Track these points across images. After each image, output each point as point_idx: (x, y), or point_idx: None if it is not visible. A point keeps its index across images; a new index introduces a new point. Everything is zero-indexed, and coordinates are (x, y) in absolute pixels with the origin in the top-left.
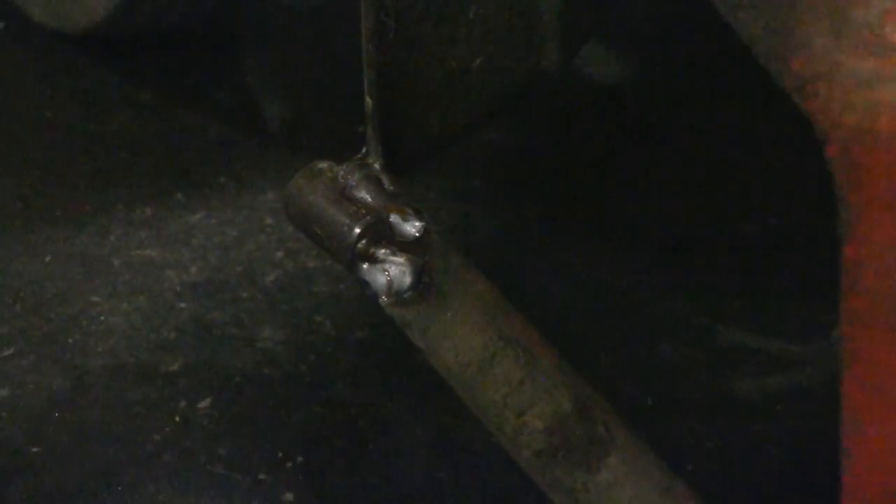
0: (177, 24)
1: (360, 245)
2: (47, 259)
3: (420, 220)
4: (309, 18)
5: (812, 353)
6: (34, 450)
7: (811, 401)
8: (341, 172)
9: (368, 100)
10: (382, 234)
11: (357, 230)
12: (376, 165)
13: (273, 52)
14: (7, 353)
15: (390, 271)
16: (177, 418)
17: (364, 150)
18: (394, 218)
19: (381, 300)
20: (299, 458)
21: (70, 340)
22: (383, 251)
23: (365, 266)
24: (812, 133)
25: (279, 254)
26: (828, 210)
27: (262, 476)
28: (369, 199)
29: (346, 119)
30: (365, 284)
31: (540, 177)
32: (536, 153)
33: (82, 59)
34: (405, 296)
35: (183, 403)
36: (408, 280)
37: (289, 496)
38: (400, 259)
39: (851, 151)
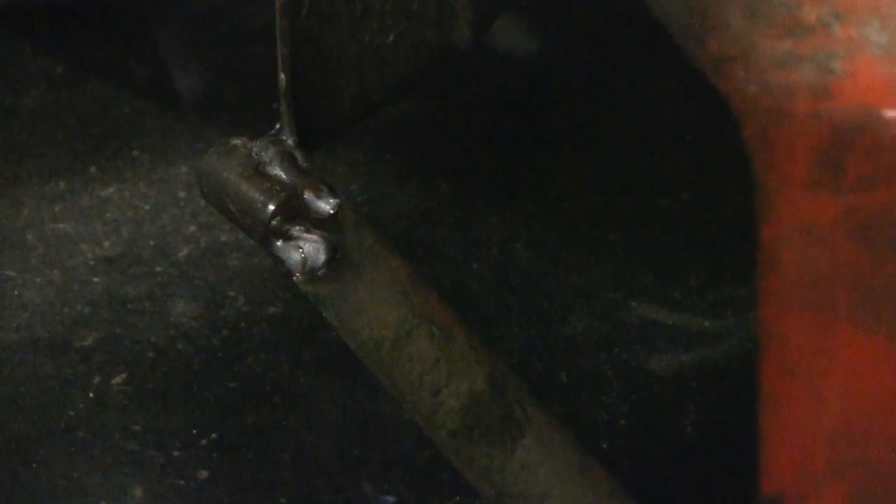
0: None
1: (274, 222)
2: None
3: (334, 196)
4: None
5: (725, 329)
6: None
7: (724, 377)
8: (255, 148)
9: (282, 75)
10: (297, 211)
11: (271, 207)
12: (290, 141)
13: (186, 25)
14: None
15: (304, 248)
16: (90, 394)
17: (277, 125)
18: (308, 195)
19: (295, 277)
20: (213, 435)
21: None
22: (297, 228)
23: (279, 243)
24: (727, 110)
25: (192, 228)
26: (742, 186)
27: (176, 453)
28: (283, 176)
29: (260, 94)
30: (279, 261)
31: (452, 151)
32: (448, 127)
33: None
34: (319, 273)
35: (97, 379)
36: (322, 257)
37: (203, 473)
38: (314, 236)
39: (767, 132)
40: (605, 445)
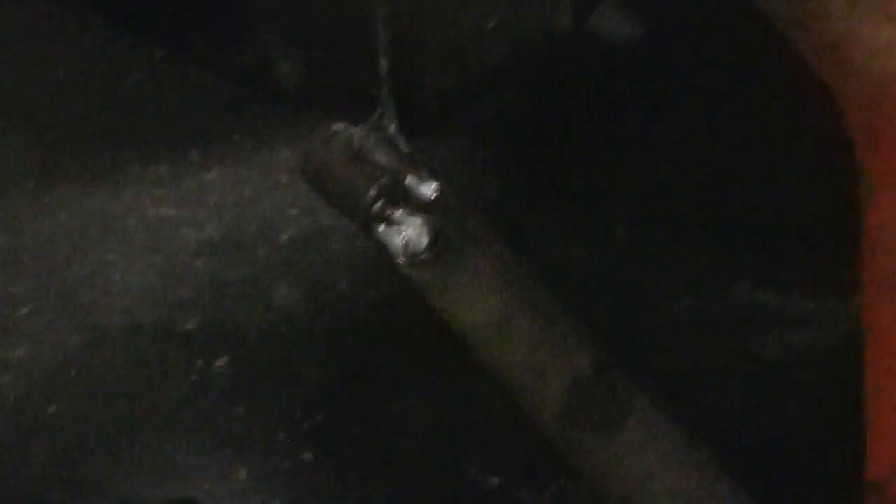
0: None
1: (375, 206)
2: (62, 217)
3: (436, 181)
4: None
5: (828, 311)
6: (51, 409)
7: (829, 358)
8: (356, 134)
9: (383, 62)
10: (398, 196)
11: (373, 192)
12: (391, 127)
13: (287, 10)
14: (23, 311)
15: (406, 233)
16: (193, 377)
17: (379, 111)
18: (409, 180)
19: (398, 261)
20: (317, 417)
21: (86, 299)
22: (399, 213)
23: (381, 227)
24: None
25: (294, 212)
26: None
27: (280, 435)
28: (384, 161)
29: (362, 80)
30: (381, 245)
31: (551, 139)
32: (548, 115)
33: (93, 17)
34: (422, 257)
35: (200, 362)
36: (424, 241)
37: (307, 455)
38: (416, 220)
39: (871, 119)
40: (711, 425)
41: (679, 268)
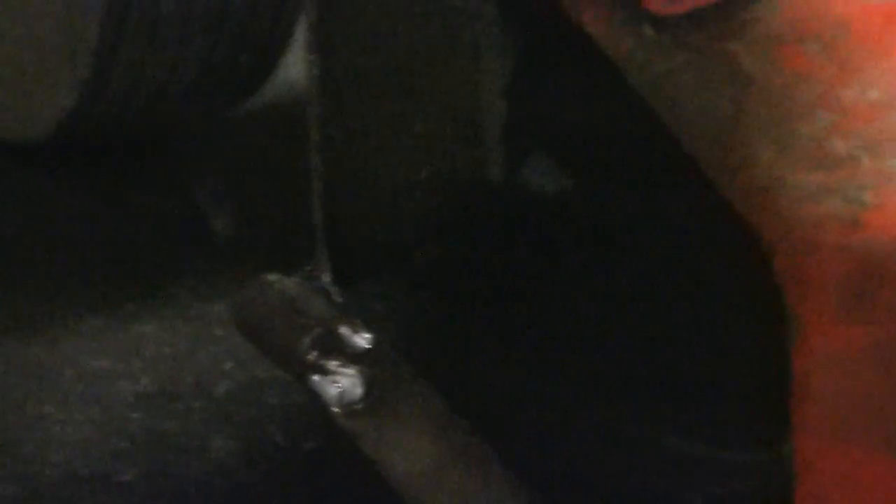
0: (125, 133)
1: (310, 356)
2: None
3: (370, 332)
4: (255, 130)
5: (757, 460)
6: None
7: None
8: (290, 285)
9: (316, 213)
10: (332, 346)
11: (307, 342)
12: (325, 278)
13: (220, 165)
14: None
15: (341, 382)
16: None
17: (312, 262)
18: (343, 330)
19: (332, 411)
20: None
21: (23, 450)
22: (334, 363)
23: (316, 378)
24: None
25: (230, 364)
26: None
27: None
28: (318, 312)
29: (295, 231)
30: (316, 396)
31: (487, 289)
32: (483, 265)
33: (23, 169)
34: (356, 407)
35: None
36: (359, 391)
37: None
38: (350, 371)
39: (798, 264)
40: None
41: (608, 421)
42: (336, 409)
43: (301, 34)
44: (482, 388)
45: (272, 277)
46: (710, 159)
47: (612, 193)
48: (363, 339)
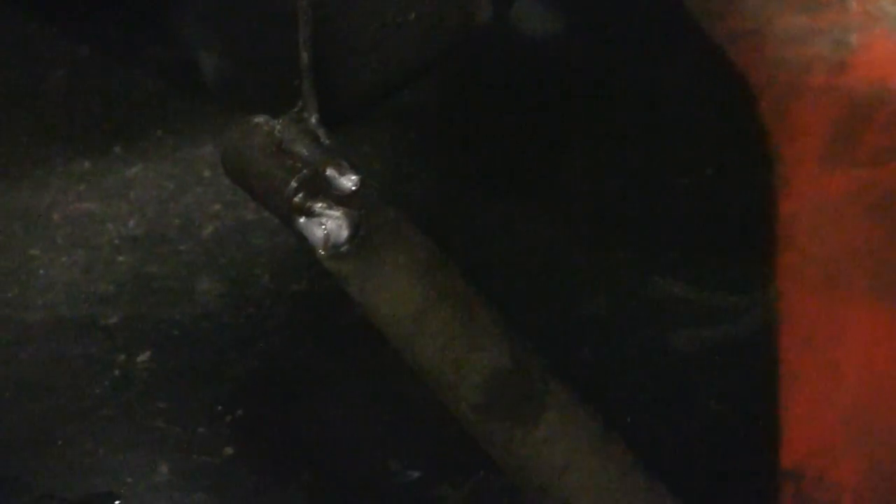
0: None
1: (296, 198)
2: None
3: (356, 173)
4: None
5: (746, 304)
6: None
7: (747, 352)
8: (277, 126)
9: (303, 53)
10: (319, 188)
11: (293, 184)
12: (312, 119)
13: (209, 7)
14: None
15: (327, 225)
16: (116, 372)
17: (300, 104)
18: (330, 171)
19: (318, 253)
20: (238, 412)
21: (9, 294)
22: (320, 205)
23: (302, 220)
24: (744, 86)
25: (217, 206)
26: (761, 163)
27: (201, 430)
28: (305, 153)
29: (282, 73)
30: (302, 238)
31: (474, 131)
32: (471, 108)
33: (17, 14)
34: (342, 249)
35: (122, 357)
36: (344, 233)
37: (228, 449)
38: (336, 212)
39: (784, 106)
40: (627, 420)
41: (596, 263)
42: (322, 251)
43: None
44: (470, 230)
45: (259, 119)
46: (697, 3)
47: (600, 37)
48: (350, 181)
